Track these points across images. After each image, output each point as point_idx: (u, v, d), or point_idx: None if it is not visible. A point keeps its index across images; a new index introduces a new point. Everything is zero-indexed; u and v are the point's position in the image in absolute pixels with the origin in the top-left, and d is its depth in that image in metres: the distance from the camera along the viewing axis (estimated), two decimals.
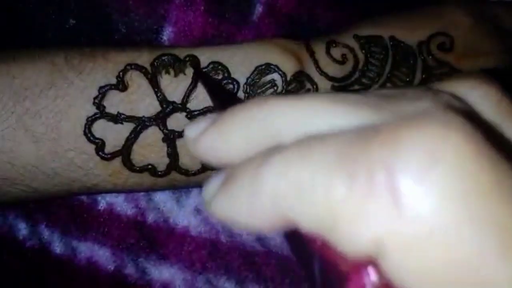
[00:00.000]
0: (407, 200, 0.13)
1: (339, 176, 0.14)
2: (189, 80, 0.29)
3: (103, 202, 0.36)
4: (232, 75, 0.29)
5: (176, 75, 0.29)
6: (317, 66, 0.30)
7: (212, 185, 0.17)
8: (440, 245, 0.12)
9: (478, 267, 0.12)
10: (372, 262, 0.14)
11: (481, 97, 0.17)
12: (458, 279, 0.12)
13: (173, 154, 0.29)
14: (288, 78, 0.30)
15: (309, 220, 0.14)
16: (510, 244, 0.12)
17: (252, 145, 0.17)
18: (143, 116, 0.29)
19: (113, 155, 0.29)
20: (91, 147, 0.28)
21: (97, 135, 0.28)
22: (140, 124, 0.29)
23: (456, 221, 0.12)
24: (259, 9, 0.37)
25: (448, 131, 0.13)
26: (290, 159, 0.15)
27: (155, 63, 0.29)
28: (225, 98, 0.25)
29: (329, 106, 0.16)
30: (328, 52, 0.31)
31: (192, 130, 0.18)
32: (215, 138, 0.17)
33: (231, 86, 0.29)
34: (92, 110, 0.28)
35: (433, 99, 0.15)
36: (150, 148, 0.29)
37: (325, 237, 0.14)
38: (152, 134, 0.29)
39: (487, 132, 0.14)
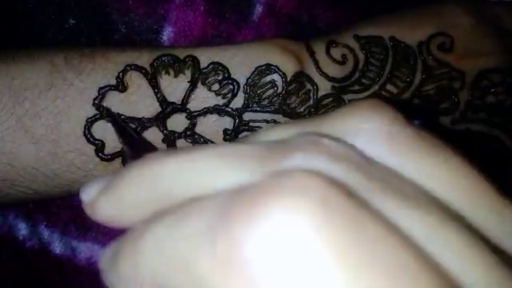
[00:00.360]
0: (260, 275, 0.12)
1: (203, 248, 0.13)
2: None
3: None
4: (232, 76, 0.29)
5: (176, 76, 0.29)
6: (317, 67, 0.30)
7: (105, 257, 0.17)
8: None
9: None
10: None
11: (369, 134, 0.15)
12: None
13: None
14: (288, 79, 0.30)
15: None
16: None
17: (147, 208, 0.16)
18: (143, 117, 0.29)
19: (113, 156, 0.29)
20: (91, 148, 0.28)
21: (97, 136, 0.28)
22: (140, 125, 0.29)
23: None
24: (259, 9, 0.37)
25: (299, 200, 0.12)
26: (166, 230, 0.14)
27: (155, 64, 0.29)
28: (135, 142, 0.25)
29: (214, 164, 0.15)
30: (328, 53, 0.31)
31: (88, 194, 0.17)
32: (110, 203, 0.17)
33: (231, 86, 0.29)
34: (91, 111, 0.28)
35: (307, 149, 0.15)
36: None
37: None
38: (152, 135, 0.29)
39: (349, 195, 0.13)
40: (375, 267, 0.12)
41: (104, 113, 0.28)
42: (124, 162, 0.28)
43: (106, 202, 0.17)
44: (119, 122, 0.27)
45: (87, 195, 0.17)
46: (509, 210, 0.15)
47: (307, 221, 0.12)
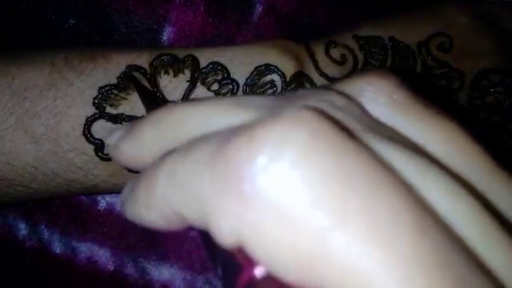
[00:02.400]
0: (250, 191, 0.13)
1: (205, 172, 0.14)
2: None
3: (103, 202, 0.36)
4: (232, 76, 0.29)
5: (175, 76, 0.29)
6: (317, 67, 0.30)
7: (125, 191, 0.19)
8: (288, 227, 0.13)
9: (325, 244, 0.12)
10: None
11: (373, 93, 0.17)
12: (310, 257, 0.13)
13: None
14: (288, 79, 0.30)
15: (194, 216, 0.15)
16: (349, 219, 0.13)
17: (162, 147, 0.18)
18: (143, 116, 0.29)
19: None
20: (90, 148, 0.28)
21: (96, 136, 0.28)
22: None
23: (301, 205, 0.13)
24: (259, 9, 0.37)
25: (290, 128, 0.13)
26: (176, 160, 0.16)
27: (154, 63, 0.29)
28: (155, 102, 0.27)
29: (227, 107, 0.17)
30: (327, 53, 0.31)
31: (112, 138, 0.20)
32: (131, 144, 0.19)
33: (230, 86, 0.29)
34: (91, 110, 0.28)
35: (312, 99, 0.16)
36: None
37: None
38: None
39: (346, 131, 0.14)
40: (353, 193, 0.13)
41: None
42: None
43: (128, 143, 0.19)
44: (141, 84, 0.28)
45: (111, 138, 0.20)
46: (499, 172, 0.16)
47: (293, 146, 0.13)
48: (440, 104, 0.17)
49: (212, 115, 0.17)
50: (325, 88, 0.17)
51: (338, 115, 0.15)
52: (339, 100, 0.16)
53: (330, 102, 0.16)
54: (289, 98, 0.17)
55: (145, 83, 0.29)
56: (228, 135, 0.14)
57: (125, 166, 0.20)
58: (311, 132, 0.13)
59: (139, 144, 0.19)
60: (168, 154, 0.17)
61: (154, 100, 0.27)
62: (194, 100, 0.18)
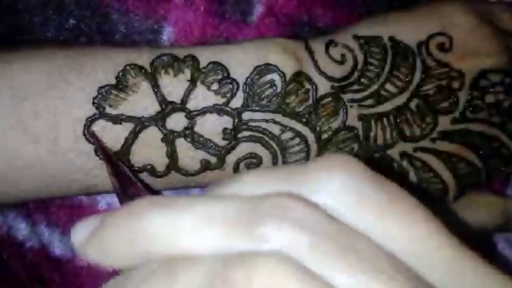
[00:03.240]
0: None
1: None
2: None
3: (103, 202, 0.36)
4: (232, 75, 0.29)
5: (175, 75, 0.29)
6: (317, 66, 0.30)
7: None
8: None
9: None
10: None
11: (338, 193, 0.16)
12: None
13: (172, 154, 0.29)
14: (288, 78, 0.30)
15: None
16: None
17: (131, 257, 0.16)
18: (142, 116, 0.29)
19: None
20: (90, 148, 0.28)
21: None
22: (139, 124, 0.29)
23: None
24: (259, 9, 0.37)
25: None
26: (157, 283, 0.15)
27: (155, 63, 0.29)
28: (126, 180, 0.25)
29: (195, 226, 0.16)
30: (327, 52, 0.31)
31: (77, 237, 0.18)
32: (94, 250, 0.17)
33: (230, 86, 0.29)
34: (91, 110, 0.28)
35: (275, 222, 0.15)
36: (149, 148, 0.29)
37: None
38: (152, 134, 0.29)
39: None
40: None
41: (97, 150, 0.28)
42: (119, 199, 0.27)
43: (91, 248, 0.17)
44: (112, 159, 0.27)
45: (77, 237, 0.18)
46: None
47: None
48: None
49: (181, 234, 0.16)
50: (285, 194, 0.16)
51: (300, 246, 0.15)
52: (301, 215, 0.16)
53: (292, 220, 0.15)
54: (253, 213, 0.16)
55: (146, 83, 0.29)
56: (217, 269, 0.15)
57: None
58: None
59: (103, 251, 0.17)
60: (140, 273, 0.16)
61: (129, 181, 0.26)
62: (159, 203, 0.16)
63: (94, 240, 0.17)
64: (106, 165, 0.27)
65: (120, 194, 0.25)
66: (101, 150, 0.28)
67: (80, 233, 0.18)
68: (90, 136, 0.28)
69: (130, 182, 0.25)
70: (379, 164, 0.32)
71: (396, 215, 0.16)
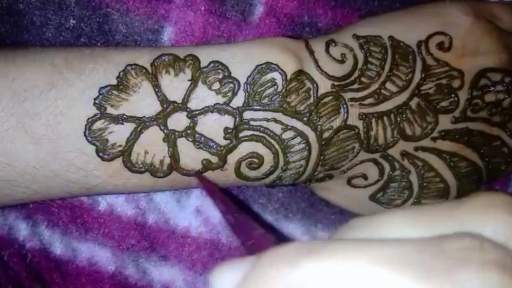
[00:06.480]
0: None
1: None
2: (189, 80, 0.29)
3: (103, 202, 0.36)
4: (233, 74, 0.29)
5: (176, 75, 0.29)
6: (317, 65, 0.30)
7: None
8: None
9: None
10: None
11: (506, 231, 0.16)
12: None
13: (174, 155, 0.29)
14: (289, 77, 0.30)
15: None
16: None
17: None
18: (144, 116, 0.29)
19: (113, 156, 0.29)
20: (91, 149, 0.28)
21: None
22: (141, 124, 0.29)
23: None
24: (259, 9, 0.37)
25: None
26: None
27: (155, 63, 0.29)
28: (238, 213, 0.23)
29: (366, 272, 0.14)
30: (327, 51, 0.31)
31: (226, 280, 0.16)
32: None
33: (231, 85, 0.29)
34: (92, 111, 0.28)
35: (477, 268, 0.14)
36: (151, 148, 0.29)
37: None
38: (153, 135, 0.29)
39: None
40: None
41: (216, 204, 0.26)
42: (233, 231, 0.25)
43: None
44: (232, 208, 0.25)
45: (225, 281, 0.16)
46: None
47: None
48: None
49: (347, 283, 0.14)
50: (465, 234, 0.15)
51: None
52: (496, 255, 0.15)
53: (493, 262, 0.15)
54: (440, 258, 0.15)
55: (147, 82, 0.29)
56: None
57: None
58: None
59: None
60: None
61: (251, 225, 0.23)
62: (312, 250, 0.15)
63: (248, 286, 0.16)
64: (223, 215, 0.25)
65: (242, 241, 0.23)
66: (221, 203, 0.26)
67: (228, 277, 0.16)
68: (205, 189, 0.27)
69: (253, 228, 0.24)
70: None
71: None
